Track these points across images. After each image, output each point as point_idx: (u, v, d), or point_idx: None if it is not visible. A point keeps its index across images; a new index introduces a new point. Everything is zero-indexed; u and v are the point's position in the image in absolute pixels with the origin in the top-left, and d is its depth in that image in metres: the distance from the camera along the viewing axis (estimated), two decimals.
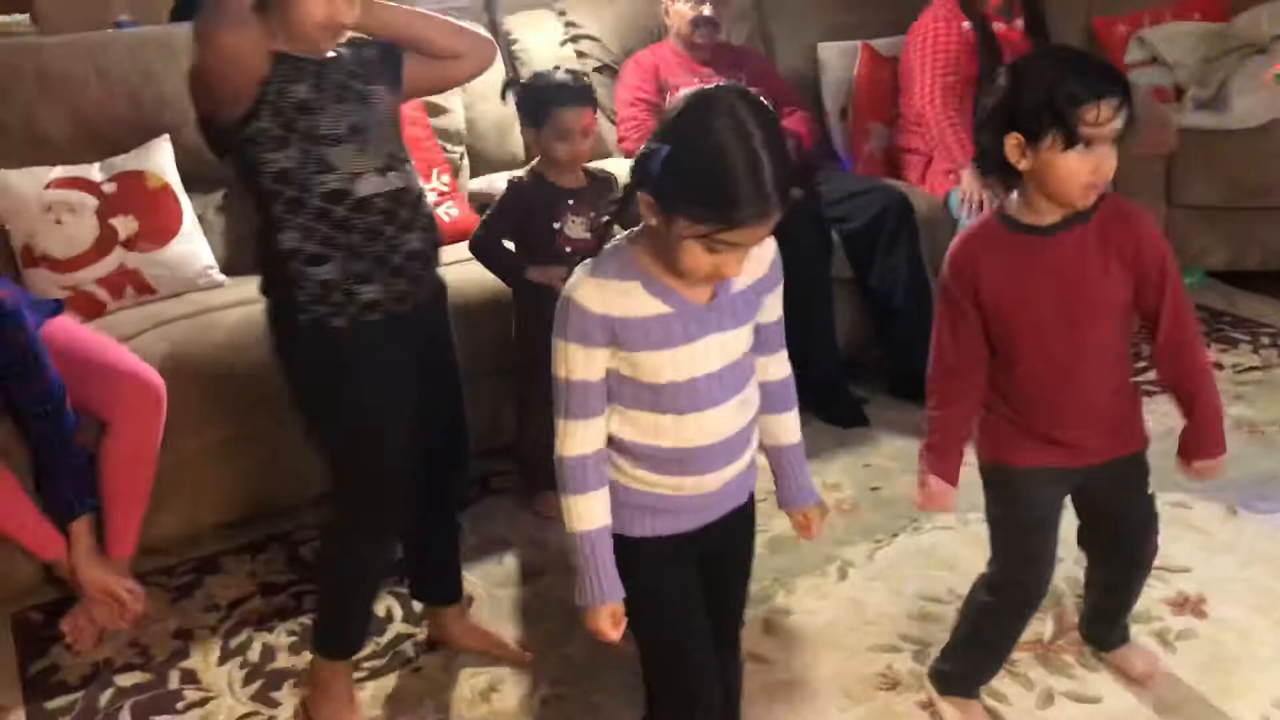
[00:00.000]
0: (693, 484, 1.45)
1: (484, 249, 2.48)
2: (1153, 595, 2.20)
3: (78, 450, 2.23)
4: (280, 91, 1.71)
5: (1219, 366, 3.13)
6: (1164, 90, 3.75)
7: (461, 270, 2.42)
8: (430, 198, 2.24)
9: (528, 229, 2.47)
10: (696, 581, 1.53)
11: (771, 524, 2.50)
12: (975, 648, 1.92)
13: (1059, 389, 1.69)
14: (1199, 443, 1.74)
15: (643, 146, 1.32)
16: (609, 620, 1.44)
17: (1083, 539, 1.92)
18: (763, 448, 1.59)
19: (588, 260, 1.39)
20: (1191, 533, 2.40)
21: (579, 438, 1.41)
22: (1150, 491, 1.85)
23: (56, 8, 4.37)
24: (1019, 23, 3.37)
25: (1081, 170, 1.56)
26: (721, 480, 1.47)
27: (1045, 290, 1.64)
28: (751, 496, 1.58)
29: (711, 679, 1.54)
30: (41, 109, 2.78)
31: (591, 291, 1.35)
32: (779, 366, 1.57)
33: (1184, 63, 3.75)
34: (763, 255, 1.44)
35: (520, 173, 2.56)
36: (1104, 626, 2.03)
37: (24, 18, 4.65)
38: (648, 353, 1.37)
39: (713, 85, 1.34)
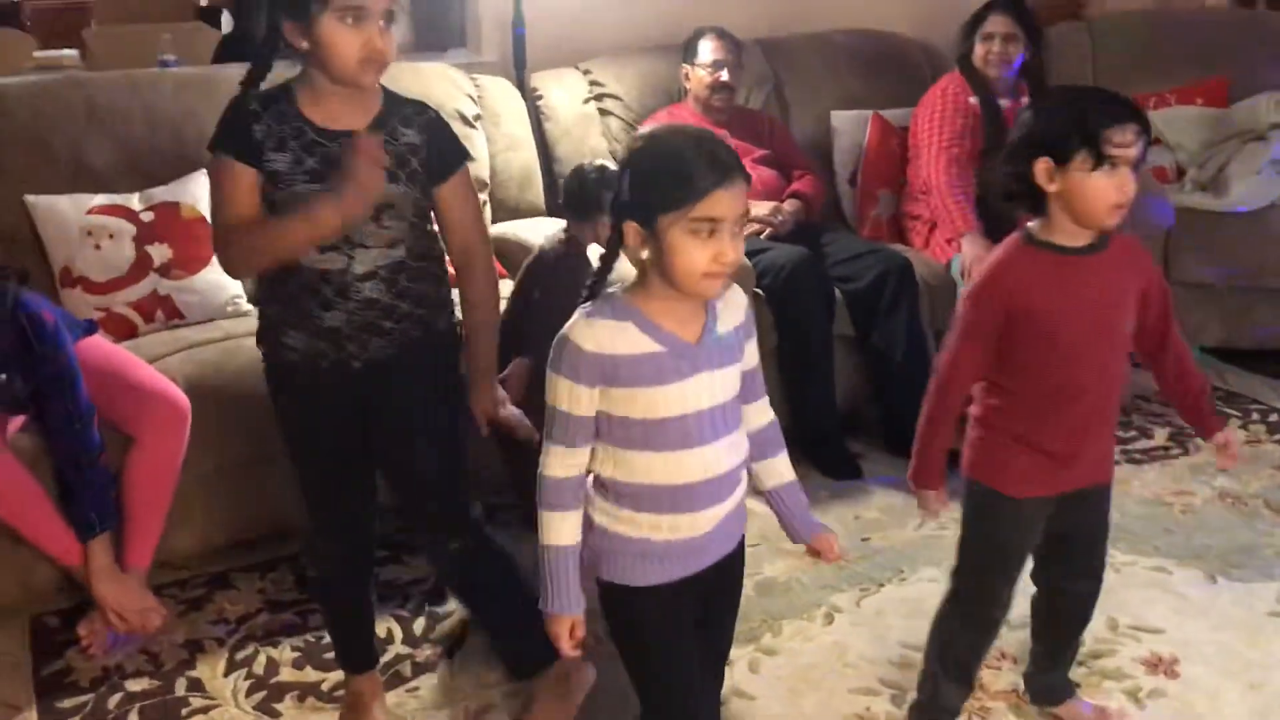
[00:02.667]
0: (686, 523, 1.52)
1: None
2: (1126, 654, 2.28)
3: (102, 470, 2.32)
4: (260, 160, 1.76)
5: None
6: (1165, 170, 3.87)
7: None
8: None
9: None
10: (692, 631, 1.60)
11: (762, 567, 2.60)
12: (945, 670, 1.98)
13: (1073, 406, 1.78)
14: (1212, 420, 1.91)
15: (610, 195, 1.48)
16: (566, 630, 1.53)
17: (1040, 563, 1.98)
18: (761, 495, 1.67)
19: (585, 304, 1.49)
20: (1169, 596, 2.48)
21: (560, 461, 1.51)
22: (1107, 527, 1.96)
23: (105, 45, 4.58)
24: (1025, 100, 3.49)
25: (1109, 190, 1.67)
26: (713, 520, 1.54)
27: (1081, 307, 1.74)
28: (742, 541, 1.65)
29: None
30: (88, 140, 2.92)
31: (585, 331, 1.45)
32: (764, 412, 1.66)
33: (1185, 145, 3.88)
34: (739, 302, 1.56)
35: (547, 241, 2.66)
36: (1053, 674, 2.08)
37: (74, 53, 4.86)
38: (641, 389, 1.46)
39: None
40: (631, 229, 1.43)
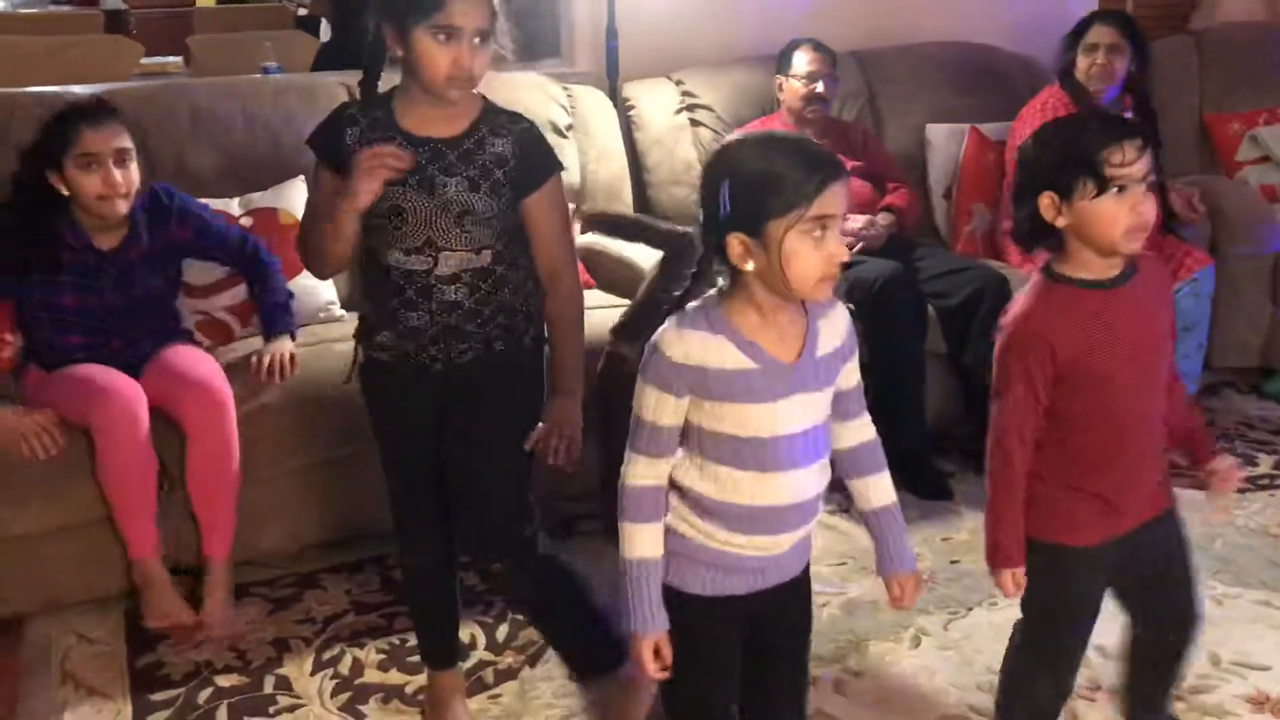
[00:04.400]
0: (760, 544, 1.49)
1: None
2: (1228, 691, 2.19)
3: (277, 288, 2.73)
4: (347, 163, 1.83)
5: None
6: (1275, 189, 3.74)
7: None
8: None
9: None
10: (739, 654, 1.58)
11: (849, 587, 2.56)
12: (1016, 713, 1.92)
13: (1122, 448, 1.69)
14: (1206, 449, 1.82)
15: (701, 207, 1.44)
16: (650, 650, 1.49)
17: (1127, 601, 1.89)
18: (856, 514, 1.63)
19: (679, 315, 1.46)
20: (1274, 632, 2.38)
21: (642, 471, 1.49)
22: (1188, 550, 1.85)
23: (208, 52, 4.69)
24: (1128, 115, 3.41)
25: (1120, 214, 1.59)
26: (789, 543, 1.52)
27: (1117, 343, 1.65)
28: (807, 567, 1.61)
29: None
30: (191, 145, 3.00)
31: (675, 341, 1.43)
32: (865, 430, 1.62)
33: None
34: (839, 326, 1.52)
35: None
36: (1150, 709, 1.98)
37: (178, 60, 5.00)
38: (731, 404, 1.43)
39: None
40: (737, 241, 1.40)
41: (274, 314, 2.71)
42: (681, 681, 1.56)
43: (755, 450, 1.45)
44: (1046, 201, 1.64)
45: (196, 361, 2.54)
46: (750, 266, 1.40)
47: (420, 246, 1.85)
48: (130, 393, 2.39)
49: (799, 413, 1.46)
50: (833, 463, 1.58)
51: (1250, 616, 2.43)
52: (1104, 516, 1.73)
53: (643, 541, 1.49)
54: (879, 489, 1.63)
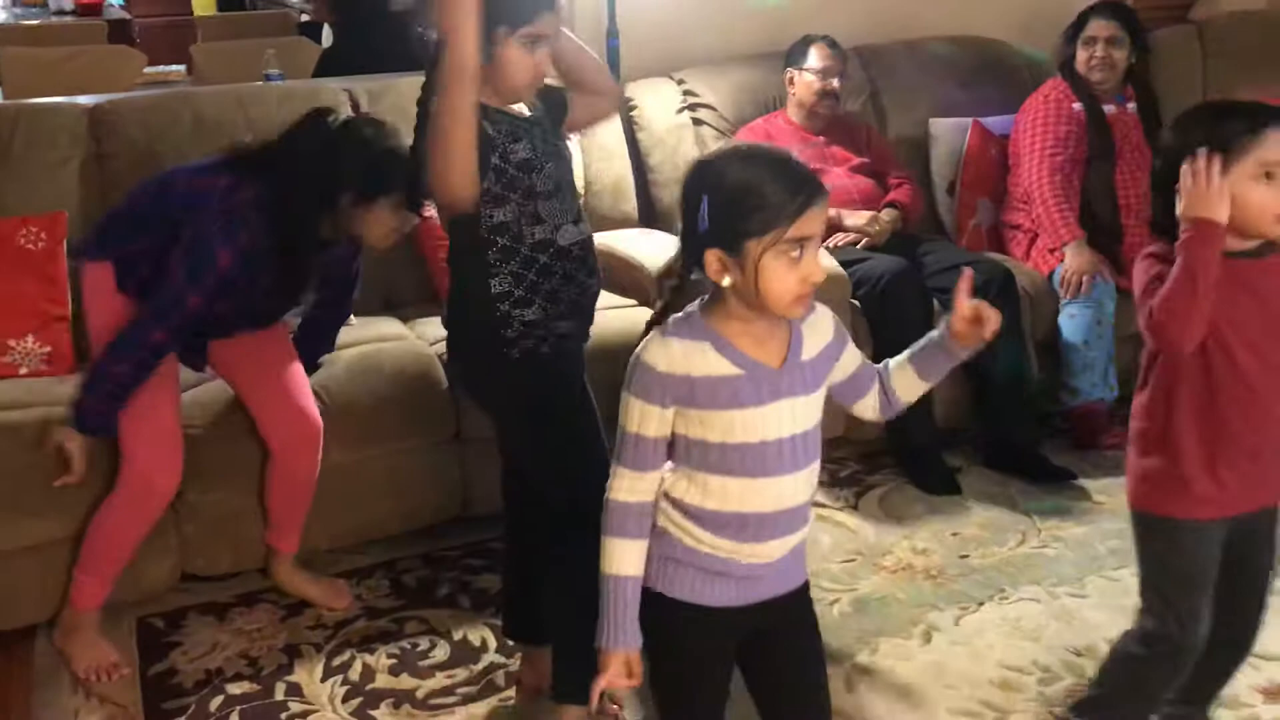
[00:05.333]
0: (750, 551, 1.47)
1: None
2: (1243, 681, 2.17)
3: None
4: (505, 155, 1.85)
5: None
6: None
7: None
8: None
9: None
10: (729, 669, 1.56)
11: (859, 584, 2.56)
12: (1123, 702, 1.89)
13: (1250, 421, 1.69)
14: None
15: (681, 222, 1.43)
16: (623, 666, 1.48)
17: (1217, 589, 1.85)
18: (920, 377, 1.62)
19: (663, 325, 1.45)
20: None
21: (628, 486, 1.47)
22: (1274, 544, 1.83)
23: (211, 60, 4.70)
24: (1131, 105, 3.40)
25: (1269, 201, 1.62)
26: (779, 551, 1.49)
27: (1255, 312, 1.67)
28: (806, 584, 1.58)
29: None
30: (195, 152, 2.96)
31: (659, 351, 1.42)
32: (874, 376, 1.61)
33: None
34: (824, 326, 1.51)
35: None
36: (1194, 712, 1.98)
37: (181, 68, 5.01)
38: (718, 411, 1.42)
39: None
40: (714, 256, 1.39)
41: (334, 333, 2.69)
42: (672, 695, 1.56)
43: (744, 456, 1.44)
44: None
45: (302, 387, 2.49)
46: (727, 282, 1.40)
47: (578, 213, 1.96)
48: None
49: (787, 418, 1.45)
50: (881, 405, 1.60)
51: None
52: (1214, 494, 1.72)
53: (623, 559, 1.48)
54: (904, 361, 1.62)
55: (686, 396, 1.42)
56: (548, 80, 1.97)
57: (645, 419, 1.44)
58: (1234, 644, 1.90)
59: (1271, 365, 1.68)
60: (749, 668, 1.58)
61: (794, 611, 1.57)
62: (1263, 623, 1.88)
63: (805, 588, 1.58)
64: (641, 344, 1.45)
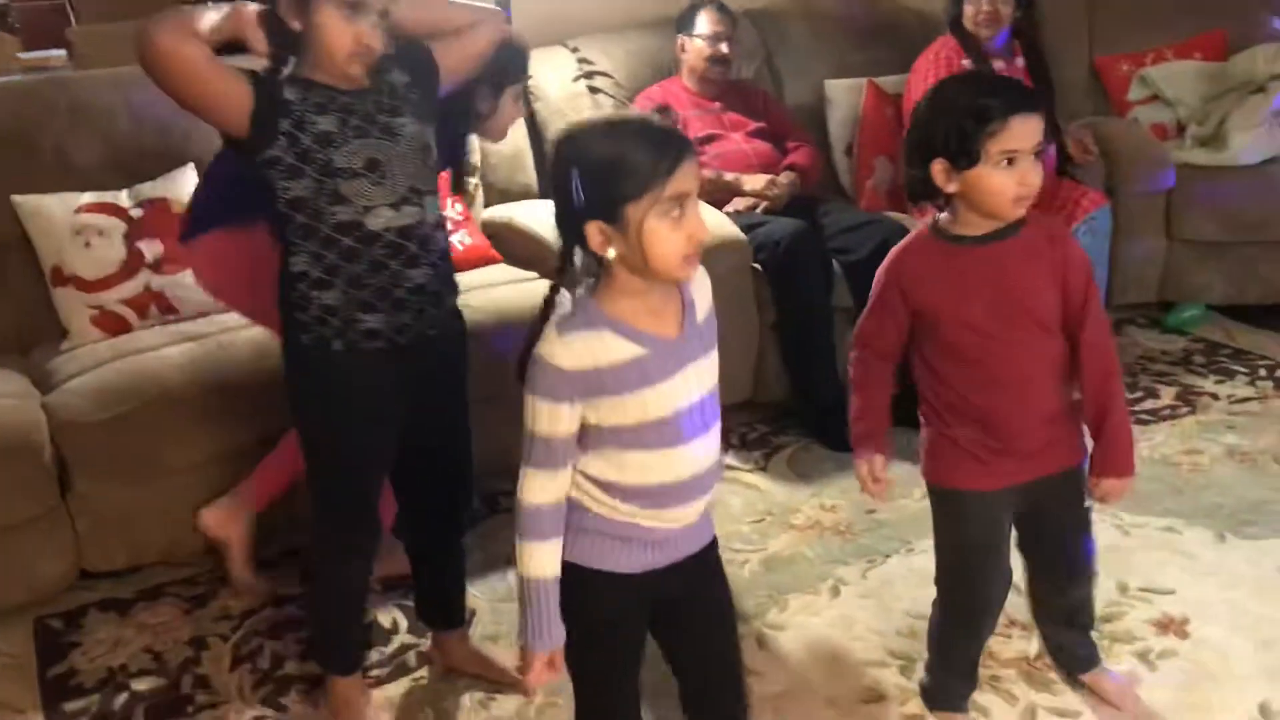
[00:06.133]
0: (670, 516, 1.48)
1: None
2: (1137, 616, 2.25)
3: None
4: (300, 122, 1.76)
5: (1214, 397, 3.18)
6: (1164, 127, 3.83)
7: (469, 296, 2.50)
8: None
9: None
10: (643, 633, 1.56)
11: (769, 543, 2.59)
12: (943, 666, 1.98)
13: (999, 398, 1.74)
14: (1110, 460, 1.77)
15: (554, 200, 1.41)
16: (545, 664, 1.48)
17: (1025, 548, 1.96)
18: None
19: (556, 318, 1.42)
20: (1179, 557, 2.45)
21: (539, 487, 1.44)
22: (1086, 504, 1.90)
23: (90, 44, 4.51)
24: (1019, 61, 3.44)
25: (1009, 184, 1.63)
26: (696, 513, 1.50)
27: (978, 295, 1.70)
28: (715, 541, 1.59)
29: (635, 714, 1.59)
30: (73, 138, 2.91)
31: (559, 349, 1.39)
32: None
33: (1184, 100, 3.83)
34: (705, 284, 1.51)
35: None
36: (1074, 643, 2.06)
37: (61, 53, 4.83)
38: (629, 395, 1.40)
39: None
40: (596, 229, 1.37)
41: None
42: (588, 663, 1.56)
43: (659, 430, 1.43)
44: (939, 168, 1.67)
45: None
46: (612, 253, 1.38)
47: (406, 195, 1.82)
48: None
49: (694, 383, 1.45)
50: None
51: (1156, 544, 2.50)
52: (992, 464, 1.77)
53: (541, 560, 1.46)
54: None
55: (596, 388, 1.40)
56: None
57: (555, 419, 1.41)
58: (1063, 603, 2.00)
59: (1003, 342, 1.72)
60: (661, 628, 1.59)
61: (705, 569, 1.57)
62: (1089, 563, 1.96)
63: (714, 544, 1.59)
64: (540, 343, 1.41)
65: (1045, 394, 1.77)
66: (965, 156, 1.63)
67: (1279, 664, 2.10)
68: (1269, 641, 2.16)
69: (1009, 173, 1.63)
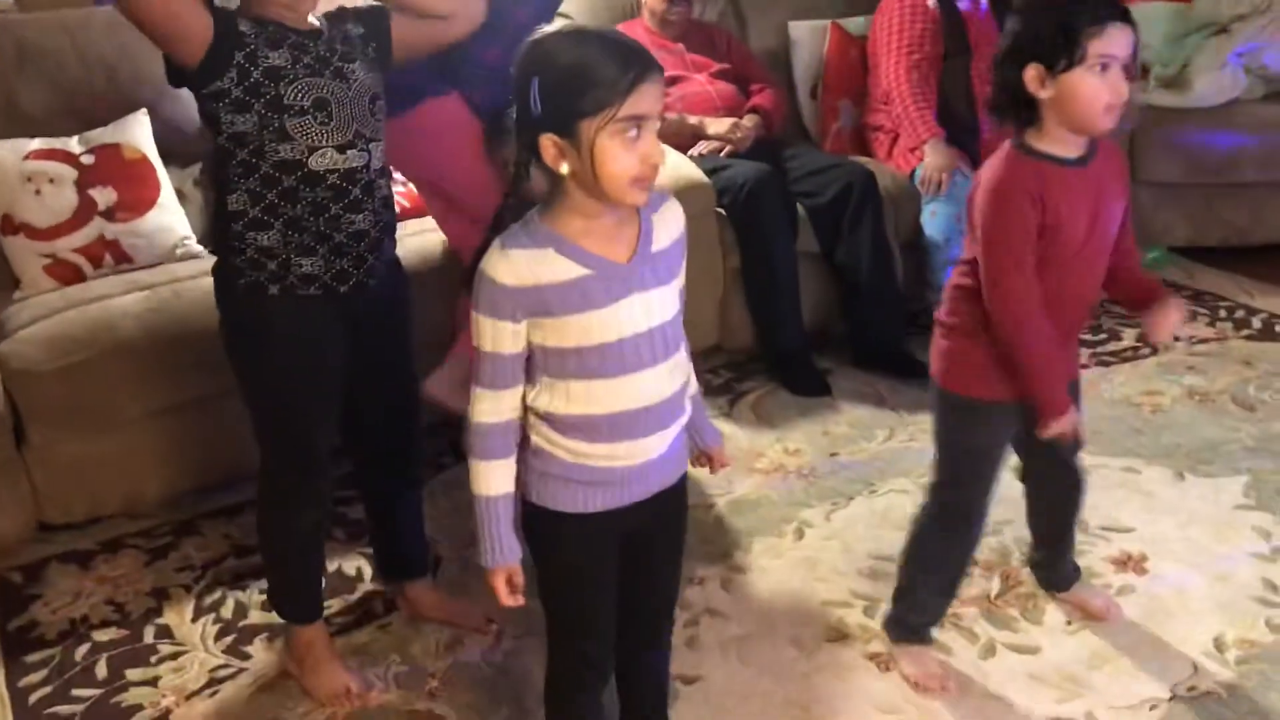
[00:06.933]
0: (625, 451, 1.46)
1: None
2: (1096, 554, 2.28)
3: None
4: (253, 56, 1.72)
5: (1175, 339, 3.21)
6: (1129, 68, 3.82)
7: (409, 243, 2.48)
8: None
9: None
10: (615, 563, 1.56)
11: (734, 488, 2.60)
12: (922, 584, 1.98)
13: (1062, 313, 1.77)
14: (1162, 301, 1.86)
15: (513, 108, 1.36)
16: (503, 580, 1.49)
17: (1026, 461, 2.02)
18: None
19: (501, 235, 1.40)
20: (1138, 495, 2.48)
21: (488, 406, 1.44)
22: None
23: None
24: (984, 2, 3.43)
25: (1102, 91, 1.64)
26: (655, 448, 1.48)
27: (1085, 212, 1.72)
28: (684, 478, 1.59)
29: (609, 647, 1.60)
30: (20, 83, 2.84)
31: (501, 265, 1.36)
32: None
33: (1150, 42, 3.82)
34: (677, 216, 1.48)
35: None
36: (1058, 560, 2.13)
37: None
38: (571, 316, 1.38)
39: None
40: (549, 141, 1.34)
41: None
42: (561, 601, 1.56)
43: (602, 357, 1.41)
44: (1032, 73, 1.67)
45: None
46: (565, 169, 1.35)
47: (352, 139, 1.79)
48: None
49: (640, 312, 1.42)
50: None
51: (1116, 483, 2.53)
52: (1014, 376, 1.78)
53: (491, 479, 1.46)
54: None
55: (538, 306, 1.38)
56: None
57: (499, 336, 1.40)
58: (1065, 499, 2.07)
59: (1086, 268, 1.78)
60: (624, 559, 1.58)
61: (670, 506, 1.58)
62: (1080, 480, 2.04)
63: (683, 480, 1.59)
64: (484, 258, 1.39)
65: (1089, 308, 1.84)
66: (1066, 57, 1.63)
67: (1233, 598, 2.14)
68: (1223, 576, 2.20)
69: (1103, 79, 1.63)
